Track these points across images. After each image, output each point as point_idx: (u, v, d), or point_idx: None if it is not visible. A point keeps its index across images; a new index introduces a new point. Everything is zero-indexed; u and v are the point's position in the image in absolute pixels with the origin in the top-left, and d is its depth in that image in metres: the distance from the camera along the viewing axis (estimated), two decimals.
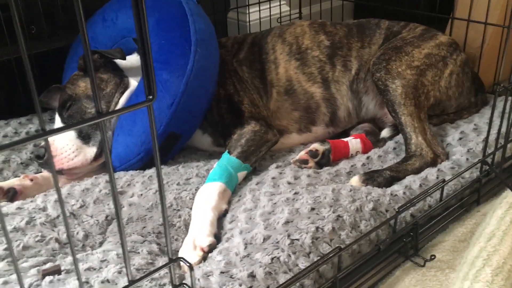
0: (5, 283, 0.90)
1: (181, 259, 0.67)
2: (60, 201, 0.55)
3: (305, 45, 1.54)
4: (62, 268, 0.95)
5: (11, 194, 1.24)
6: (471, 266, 0.95)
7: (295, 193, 1.13)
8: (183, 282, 0.71)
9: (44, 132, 0.50)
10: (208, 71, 1.34)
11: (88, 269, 0.94)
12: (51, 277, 0.92)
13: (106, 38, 1.56)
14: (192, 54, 1.30)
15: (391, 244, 1.08)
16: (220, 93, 1.42)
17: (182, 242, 1.08)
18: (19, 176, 1.35)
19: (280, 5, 2.30)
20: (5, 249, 1.01)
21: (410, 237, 1.09)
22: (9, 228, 1.06)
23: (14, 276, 0.93)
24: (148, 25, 1.38)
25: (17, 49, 1.61)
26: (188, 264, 0.67)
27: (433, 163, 1.29)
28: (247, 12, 2.25)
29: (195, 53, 1.30)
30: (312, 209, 1.06)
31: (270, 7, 2.25)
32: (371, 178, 1.22)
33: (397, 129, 1.42)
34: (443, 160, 1.31)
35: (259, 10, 2.22)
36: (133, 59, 1.49)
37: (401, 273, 1.06)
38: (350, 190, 1.13)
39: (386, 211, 1.10)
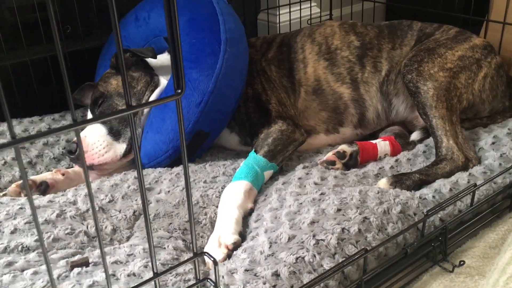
0: (35, 273, 0.93)
1: (206, 254, 0.68)
2: (90, 195, 0.57)
3: (335, 45, 1.53)
4: (90, 260, 0.97)
5: (43, 188, 1.28)
6: (501, 273, 0.92)
7: (321, 194, 1.13)
8: (207, 277, 0.71)
9: (76, 123, 0.51)
10: (237, 71, 1.34)
11: (115, 262, 0.96)
12: (79, 268, 0.94)
13: (138, 37, 1.59)
14: (222, 53, 1.30)
15: (419, 248, 1.06)
16: (248, 92, 1.43)
17: (208, 239, 1.09)
18: (51, 171, 1.39)
19: (310, 6, 2.29)
20: (36, 241, 1.03)
21: (439, 242, 1.06)
22: (40, 220, 1.09)
23: (43, 267, 0.95)
24: (179, 24, 1.40)
25: (52, 47, 1.66)
26: (213, 259, 0.68)
27: (464, 167, 1.26)
28: (278, 13, 2.25)
29: (225, 52, 1.31)
30: (338, 210, 1.05)
31: (300, 9, 2.25)
32: (399, 180, 1.20)
33: (428, 132, 1.39)
34: (474, 165, 1.28)
35: (290, 12, 2.22)
36: (164, 58, 1.51)
37: (429, 278, 1.03)
38: (378, 192, 1.11)
39: (414, 214, 1.08)
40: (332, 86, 1.48)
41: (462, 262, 1.05)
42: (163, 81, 1.46)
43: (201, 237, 1.10)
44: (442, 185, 1.18)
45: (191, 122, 1.31)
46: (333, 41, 1.54)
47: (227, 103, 1.34)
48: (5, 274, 0.92)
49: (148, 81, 1.45)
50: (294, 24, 2.24)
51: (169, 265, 0.96)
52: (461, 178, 1.21)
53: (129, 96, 0.56)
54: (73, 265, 0.94)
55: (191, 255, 1.01)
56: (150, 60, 1.48)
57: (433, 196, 1.14)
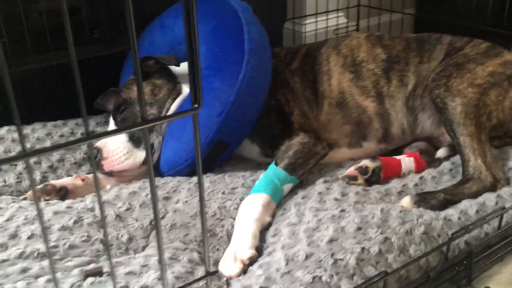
0: (49, 281, 0.92)
1: (218, 273, 0.66)
2: (100, 205, 0.55)
3: (361, 57, 1.50)
4: (104, 270, 0.96)
5: (63, 193, 1.28)
6: None
7: (342, 211, 1.09)
8: None
9: (88, 136, 0.50)
10: (260, 81, 1.33)
11: (129, 273, 0.95)
12: (93, 278, 0.93)
13: (164, 44, 1.59)
14: (245, 63, 1.29)
15: (442, 272, 1.02)
16: (270, 103, 1.41)
17: (224, 252, 1.07)
18: (72, 176, 1.39)
19: (337, 16, 2.27)
20: (52, 247, 1.03)
21: (464, 266, 1.02)
22: (57, 226, 1.09)
23: (58, 275, 0.94)
24: (204, 32, 1.39)
25: (78, 52, 1.68)
26: (225, 280, 0.66)
27: (492, 188, 1.21)
28: (304, 23, 2.23)
29: (248, 62, 1.29)
30: (359, 228, 1.02)
31: (327, 19, 2.22)
32: (423, 200, 1.16)
33: (454, 149, 1.34)
34: (503, 186, 1.22)
35: (316, 21, 2.19)
36: (188, 66, 1.50)
37: None
38: (401, 212, 1.08)
39: (438, 236, 1.04)
40: (356, 99, 1.45)
41: None
42: (186, 89, 1.45)
43: (217, 249, 1.08)
44: (469, 206, 1.14)
45: (211, 131, 1.29)
46: (359, 53, 1.50)
47: (249, 114, 1.33)
48: (19, 280, 0.92)
49: (171, 89, 1.44)
50: (320, 34, 2.22)
51: (183, 279, 0.94)
52: (489, 199, 1.16)
53: (144, 109, 0.55)
54: (87, 274, 0.93)
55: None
56: (173, 68, 1.48)
57: (459, 218, 1.10)
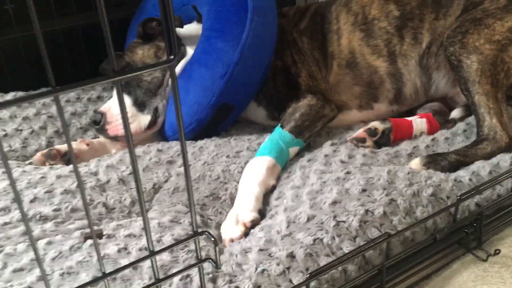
0: (49, 243, 0.92)
1: (206, 233, 0.64)
2: (76, 173, 0.53)
3: (372, 15, 1.43)
4: (105, 232, 0.95)
5: (68, 158, 1.28)
6: None
7: (347, 173, 1.06)
8: (209, 257, 0.67)
9: (54, 89, 0.47)
10: (264, 41, 1.28)
11: (129, 235, 0.94)
12: (91, 241, 0.92)
13: None
14: (248, 22, 1.24)
15: (451, 235, 0.98)
16: (277, 64, 1.36)
17: (226, 215, 1.05)
18: (76, 141, 1.39)
19: None
20: (54, 210, 1.03)
21: (473, 228, 0.98)
22: (60, 190, 1.09)
23: (58, 237, 0.94)
24: None
25: (82, 17, 1.65)
26: (213, 239, 0.64)
27: (508, 148, 1.16)
28: None
29: (251, 21, 1.24)
30: (363, 190, 0.98)
31: None
32: (433, 161, 1.11)
33: (469, 110, 1.28)
34: None
35: None
36: (192, 28, 1.46)
37: (459, 266, 0.96)
38: (408, 173, 1.04)
39: (448, 198, 1.00)
40: (367, 59, 1.39)
41: (497, 251, 0.97)
42: (190, 51, 1.41)
43: (220, 213, 1.07)
44: (481, 167, 1.09)
45: (215, 94, 1.26)
46: (371, 10, 1.43)
47: (254, 75, 1.29)
48: (20, 242, 0.92)
49: None
50: None
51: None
52: (503, 160, 1.11)
53: (114, 62, 0.52)
54: (87, 237, 0.93)
55: (211, 231, 0.98)
56: (177, 30, 1.44)
57: (470, 179, 1.05)
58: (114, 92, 1.47)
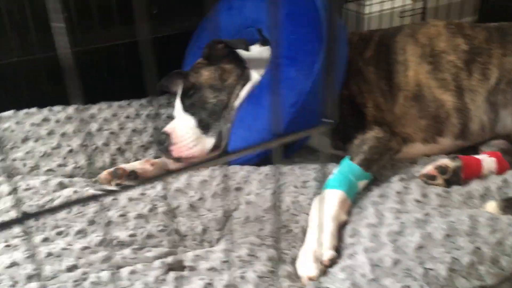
0: (133, 272, 0.92)
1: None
2: None
3: (440, 48, 1.41)
4: (186, 264, 0.95)
5: (132, 177, 1.28)
6: None
7: (426, 214, 1.05)
8: None
9: None
10: (336, 71, 1.27)
11: (211, 269, 0.94)
12: (175, 273, 0.92)
13: (230, 26, 1.54)
14: (322, 53, 1.23)
15: None
16: (343, 93, 1.35)
17: (299, 250, 1.04)
18: (139, 159, 1.39)
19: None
20: (130, 236, 1.03)
21: None
22: (133, 214, 1.09)
23: (139, 266, 0.94)
24: (280, 18, 1.33)
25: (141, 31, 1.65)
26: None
27: None
28: (367, 3, 2.14)
29: (325, 52, 1.24)
30: (447, 235, 0.97)
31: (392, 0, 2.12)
32: (511, 205, 1.09)
33: None
34: None
35: (381, 2, 2.09)
36: (255, 51, 1.46)
37: None
38: (489, 219, 1.02)
39: None
40: (434, 92, 1.38)
41: None
42: (254, 75, 1.41)
43: (293, 247, 1.06)
44: None
45: (284, 123, 1.26)
46: (438, 43, 1.42)
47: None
48: (103, 270, 0.92)
49: (240, 74, 1.40)
50: (382, 16, 2.11)
51: (266, 278, 0.92)
52: None
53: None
54: (170, 268, 0.92)
55: (287, 267, 0.97)
56: (242, 52, 1.44)
57: None
58: (175, 111, 1.47)
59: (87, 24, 1.59)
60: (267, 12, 1.40)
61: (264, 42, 1.48)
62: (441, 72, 1.39)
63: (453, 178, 1.23)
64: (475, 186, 1.21)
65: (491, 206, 1.10)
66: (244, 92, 1.38)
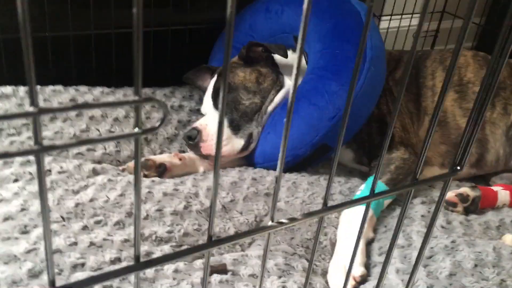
0: (176, 271, 0.93)
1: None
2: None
3: (467, 78, 1.47)
4: (228, 268, 0.96)
5: (162, 170, 1.27)
6: None
7: (452, 242, 1.10)
8: None
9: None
10: (374, 90, 1.30)
11: (251, 275, 0.96)
12: (219, 276, 0.93)
13: (266, 29, 1.55)
14: (365, 71, 1.26)
15: None
16: (373, 111, 1.39)
17: (328, 262, 1.07)
18: (164, 150, 1.39)
19: (411, 17, 2.21)
20: (168, 232, 1.03)
21: None
22: (169, 209, 1.09)
23: (182, 265, 0.95)
24: (321, 29, 1.35)
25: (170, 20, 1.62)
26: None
27: None
28: (382, 19, 2.17)
29: (368, 70, 1.27)
30: (475, 265, 1.02)
31: (400, 19, 2.16)
32: None
33: None
34: None
35: (389, 20, 2.13)
36: (290, 57, 1.47)
37: None
38: (511, 252, 1.08)
39: None
40: (457, 120, 1.43)
41: None
42: (288, 82, 1.43)
43: (323, 259, 1.09)
44: None
45: (319, 134, 1.28)
46: (466, 73, 1.48)
47: (358, 122, 1.31)
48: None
49: (275, 80, 1.42)
50: (398, 33, 2.16)
51: None
52: None
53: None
54: (213, 271, 0.94)
55: (321, 279, 1.00)
56: (277, 58, 1.45)
57: None
58: (203, 107, 1.47)
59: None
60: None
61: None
62: (466, 101, 1.44)
63: (471, 207, 1.28)
64: (491, 217, 1.27)
65: (509, 239, 1.16)
66: (278, 98, 1.40)
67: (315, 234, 1.12)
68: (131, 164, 1.26)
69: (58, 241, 0.93)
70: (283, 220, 0.50)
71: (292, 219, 0.50)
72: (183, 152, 1.40)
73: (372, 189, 0.55)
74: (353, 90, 0.49)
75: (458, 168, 0.56)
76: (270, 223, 0.49)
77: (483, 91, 0.57)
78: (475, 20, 2.26)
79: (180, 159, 1.32)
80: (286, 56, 1.40)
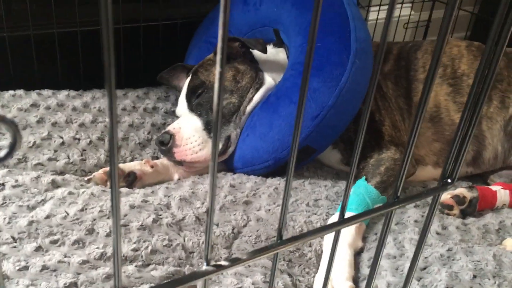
0: None
1: None
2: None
3: (461, 70, 1.37)
4: None
5: (131, 179, 1.17)
6: None
7: (448, 250, 1.00)
8: None
9: None
10: (360, 86, 1.20)
11: None
12: None
13: (244, 23, 1.45)
14: (349, 65, 1.16)
15: None
16: (360, 108, 1.28)
17: (313, 277, 0.98)
18: (136, 157, 1.28)
19: (401, 7, 2.11)
20: (133, 250, 0.93)
21: None
22: (136, 224, 0.99)
23: (146, 287, 0.85)
24: (303, 21, 1.25)
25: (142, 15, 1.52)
26: None
27: None
28: (371, 10, 2.07)
29: (353, 64, 1.16)
30: (474, 277, 0.92)
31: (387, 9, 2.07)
32: None
33: None
34: None
35: (378, 11, 2.03)
36: (269, 52, 1.36)
37: None
38: None
39: None
40: (451, 116, 1.33)
41: None
42: (268, 79, 1.33)
43: (307, 273, 0.99)
44: None
45: (301, 135, 1.18)
46: (460, 65, 1.37)
47: (344, 120, 1.21)
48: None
49: (253, 77, 1.31)
50: (380, 24, 2.05)
51: None
52: None
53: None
54: None
55: None
56: (255, 53, 1.35)
57: None
58: (177, 109, 1.36)
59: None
60: (287, 12, 1.31)
61: (278, 44, 1.40)
62: (461, 95, 1.34)
63: (468, 209, 1.19)
64: (491, 220, 1.17)
65: (510, 244, 1.06)
66: (257, 96, 1.29)
67: (298, 246, 1.02)
68: (97, 174, 1.15)
69: (6, 266, 0.83)
70: (222, 263, 0.39)
71: (235, 259, 0.40)
72: (157, 158, 1.29)
73: (342, 214, 0.45)
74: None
75: (449, 181, 0.46)
76: (204, 267, 0.39)
77: (478, 84, 0.48)
78: (468, 8, 2.17)
79: (152, 166, 1.22)
80: (265, 51, 1.30)
